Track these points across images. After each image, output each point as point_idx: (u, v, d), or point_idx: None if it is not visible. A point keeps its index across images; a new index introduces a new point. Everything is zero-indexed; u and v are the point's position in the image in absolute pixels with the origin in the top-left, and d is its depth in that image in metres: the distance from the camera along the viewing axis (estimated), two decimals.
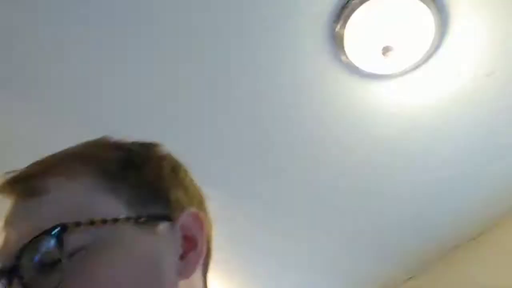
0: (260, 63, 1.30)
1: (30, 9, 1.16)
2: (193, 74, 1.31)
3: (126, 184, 0.48)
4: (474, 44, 1.24)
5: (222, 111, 1.40)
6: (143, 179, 0.50)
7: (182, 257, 0.49)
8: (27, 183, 0.47)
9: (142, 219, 0.46)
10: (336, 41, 1.27)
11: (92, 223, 0.43)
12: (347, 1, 1.19)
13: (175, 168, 0.55)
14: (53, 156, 0.51)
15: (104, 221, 0.44)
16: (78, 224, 0.42)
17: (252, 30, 1.23)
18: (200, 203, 0.56)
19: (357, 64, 1.29)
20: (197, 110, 1.40)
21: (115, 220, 0.44)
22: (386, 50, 1.19)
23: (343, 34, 1.25)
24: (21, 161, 0.51)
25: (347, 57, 1.28)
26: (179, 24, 1.21)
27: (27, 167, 0.50)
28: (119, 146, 0.53)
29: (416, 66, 1.27)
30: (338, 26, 1.23)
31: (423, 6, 1.14)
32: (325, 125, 1.44)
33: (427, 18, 1.16)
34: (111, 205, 0.46)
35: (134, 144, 0.54)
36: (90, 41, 1.24)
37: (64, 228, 0.41)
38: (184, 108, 1.39)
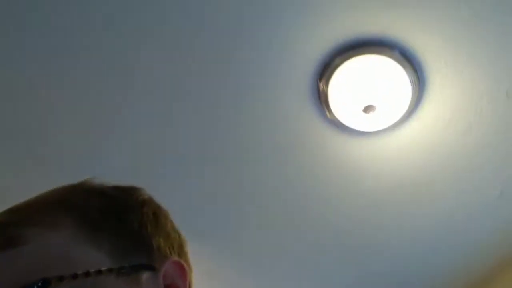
0: (246, 118, 1.33)
1: (14, 55, 1.19)
2: (180, 130, 1.35)
3: (108, 233, 0.47)
4: (450, 104, 1.29)
5: (209, 166, 1.42)
6: (126, 227, 0.49)
7: None
8: (3, 233, 0.44)
9: (125, 270, 0.45)
10: (321, 98, 1.31)
11: (75, 276, 0.42)
12: (330, 61, 1.24)
13: (156, 214, 0.54)
14: (31, 203, 0.49)
15: (87, 274, 0.42)
16: (61, 278, 0.41)
17: (238, 87, 1.27)
18: (180, 247, 0.55)
19: (341, 120, 1.33)
20: (184, 165, 1.42)
21: (98, 273, 0.43)
22: (367, 108, 1.24)
23: (327, 92, 1.29)
24: None
25: (332, 114, 1.32)
26: (166, 75, 1.24)
27: (1, 216, 0.48)
28: (101, 192, 0.52)
29: (398, 124, 1.31)
30: (322, 84, 1.28)
31: (400, 68, 1.20)
32: (310, 180, 1.46)
33: (404, 79, 1.21)
34: (94, 257, 0.45)
35: (116, 189, 0.54)
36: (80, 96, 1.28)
37: (46, 283, 0.40)
38: (172, 162, 1.41)
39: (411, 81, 1.22)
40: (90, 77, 1.23)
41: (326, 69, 1.25)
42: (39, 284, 0.39)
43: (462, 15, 1.14)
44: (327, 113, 1.33)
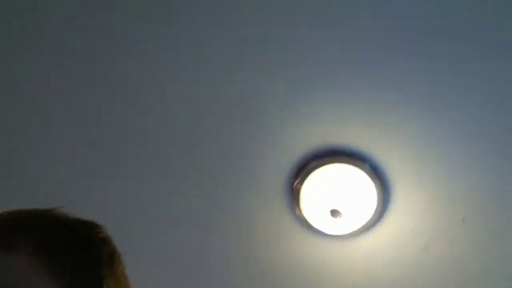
0: (215, 201, 1.39)
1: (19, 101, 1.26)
2: (154, 212, 1.40)
3: (66, 268, 0.47)
4: (411, 221, 1.37)
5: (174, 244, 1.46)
6: (84, 265, 0.49)
7: None
8: None
9: None
10: (293, 195, 1.38)
11: None
12: (306, 163, 1.34)
13: (112, 255, 0.54)
14: None
15: None
16: None
17: (214, 173, 1.35)
18: None
19: (309, 220, 1.38)
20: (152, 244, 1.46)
21: None
22: (334, 213, 1.31)
23: (300, 190, 1.37)
24: None
25: (301, 212, 1.39)
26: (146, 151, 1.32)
27: None
28: (66, 224, 0.52)
29: (360, 232, 1.37)
30: (296, 182, 1.36)
31: (369, 180, 1.29)
32: (270, 273, 1.49)
33: (372, 191, 1.31)
34: None
35: (79, 223, 0.54)
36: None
37: None
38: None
39: (378, 194, 1.31)
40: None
41: (301, 170, 1.34)
42: None
43: (428, 142, 1.27)
44: (296, 210, 1.39)
